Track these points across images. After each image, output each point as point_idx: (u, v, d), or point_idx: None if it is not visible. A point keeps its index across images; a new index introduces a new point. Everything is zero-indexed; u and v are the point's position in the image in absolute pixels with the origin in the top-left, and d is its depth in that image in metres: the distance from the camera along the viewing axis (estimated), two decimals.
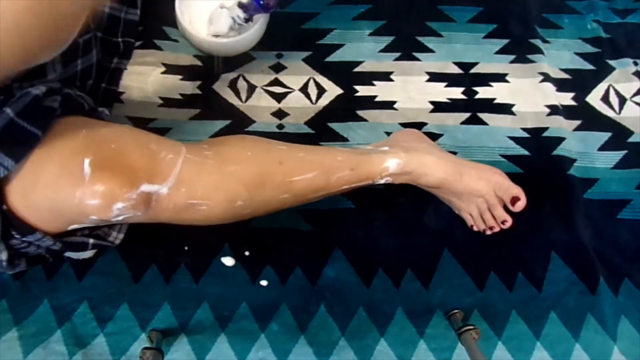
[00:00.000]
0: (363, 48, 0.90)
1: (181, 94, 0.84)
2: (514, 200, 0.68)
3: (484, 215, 0.72)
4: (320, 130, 0.83)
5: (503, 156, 0.83)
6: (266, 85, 0.86)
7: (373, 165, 0.67)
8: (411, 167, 0.68)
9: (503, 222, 0.71)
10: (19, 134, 0.48)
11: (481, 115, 0.86)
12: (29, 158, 0.48)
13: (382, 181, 0.68)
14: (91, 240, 0.58)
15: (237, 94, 0.85)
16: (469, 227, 0.75)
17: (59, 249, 0.56)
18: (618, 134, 0.87)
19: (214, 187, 0.55)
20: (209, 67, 0.85)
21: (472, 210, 0.73)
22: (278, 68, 0.88)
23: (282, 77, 0.87)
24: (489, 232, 0.73)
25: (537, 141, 0.84)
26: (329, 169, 0.64)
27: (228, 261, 0.73)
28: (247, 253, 0.74)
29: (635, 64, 0.92)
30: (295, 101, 0.85)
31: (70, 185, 0.49)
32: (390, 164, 0.67)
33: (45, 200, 0.50)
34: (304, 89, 0.86)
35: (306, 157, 0.63)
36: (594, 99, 0.89)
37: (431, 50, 0.91)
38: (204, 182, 0.55)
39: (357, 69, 0.88)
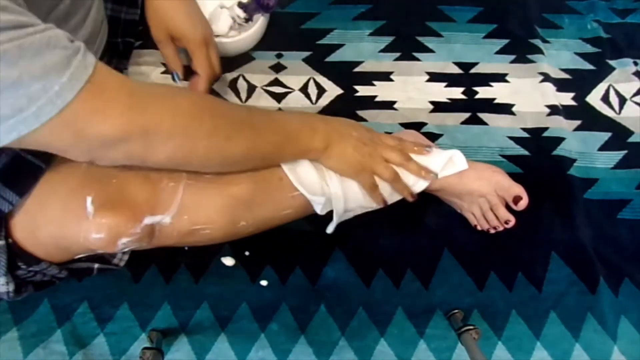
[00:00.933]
0: (363, 48, 0.90)
1: None
2: (516, 199, 0.68)
3: (486, 215, 0.72)
4: None
5: (503, 156, 0.83)
6: (266, 85, 0.86)
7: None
8: None
9: (506, 222, 0.71)
10: (24, 167, 0.49)
11: (481, 115, 0.86)
12: (33, 193, 0.49)
13: None
14: (96, 265, 0.59)
15: (237, 94, 0.85)
16: (472, 226, 0.75)
17: (65, 276, 0.57)
18: (618, 134, 0.87)
19: (216, 211, 0.55)
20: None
21: (474, 210, 0.73)
22: (278, 68, 0.88)
23: (282, 77, 0.87)
24: (492, 231, 0.73)
25: (537, 141, 0.84)
26: None
27: (228, 261, 0.73)
28: (247, 253, 0.74)
29: (635, 64, 0.92)
30: (295, 101, 0.85)
31: (74, 223, 0.49)
32: None
33: (50, 236, 0.50)
34: (304, 89, 0.86)
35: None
36: (594, 99, 0.89)
37: (431, 50, 0.91)
38: (206, 207, 0.55)
39: (357, 69, 0.88)
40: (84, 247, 0.51)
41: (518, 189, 0.69)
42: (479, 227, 0.74)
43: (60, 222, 0.50)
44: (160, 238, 0.54)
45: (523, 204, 0.68)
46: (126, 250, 0.53)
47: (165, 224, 0.53)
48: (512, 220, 0.70)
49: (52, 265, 0.54)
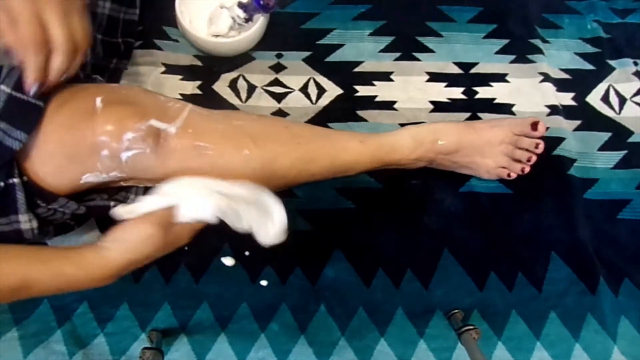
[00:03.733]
0: (363, 48, 0.90)
1: (181, 94, 0.84)
2: (534, 125, 0.70)
3: (513, 154, 0.72)
4: None
5: None
6: (266, 85, 0.86)
7: (382, 137, 0.67)
8: (423, 135, 0.68)
9: (536, 147, 0.71)
10: (21, 107, 0.50)
11: (481, 115, 0.86)
12: (41, 129, 0.50)
13: (398, 156, 0.68)
14: (112, 203, 0.60)
15: (237, 94, 0.85)
16: (506, 178, 0.74)
17: (84, 212, 0.58)
18: (618, 134, 0.87)
19: (220, 133, 0.57)
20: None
21: (499, 160, 0.73)
22: (278, 68, 0.88)
23: (282, 77, 0.87)
24: (527, 169, 0.73)
25: None
26: (336, 138, 0.65)
27: (228, 261, 0.73)
28: (247, 253, 0.74)
29: (635, 64, 0.92)
30: (295, 101, 0.85)
31: (82, 119, 0.51)
32: (401, 133, 0.68)
33: (58, 144, 0.51)
34: (304, 89, 0.86)
35: (313, 127, 0.66)
36: (594, 99, 0.89)
37: (431, 50, 0.91)
38: (211, 128, 0.57)
39: (357, 69, 0.88)
40: (92, 145, 0.51)
41: (531, 118, 0.70)
42: (512, 175, 0.74)
43: (70, 121, 0.51)
44: (164, 148, 0.54)
45: (542, 126, 0.70)
46: (130, 154, 0.53)
47: (170, 133, 0.54)
48: (541, 142, 0.71)
49: (70, 202, 0.55)
